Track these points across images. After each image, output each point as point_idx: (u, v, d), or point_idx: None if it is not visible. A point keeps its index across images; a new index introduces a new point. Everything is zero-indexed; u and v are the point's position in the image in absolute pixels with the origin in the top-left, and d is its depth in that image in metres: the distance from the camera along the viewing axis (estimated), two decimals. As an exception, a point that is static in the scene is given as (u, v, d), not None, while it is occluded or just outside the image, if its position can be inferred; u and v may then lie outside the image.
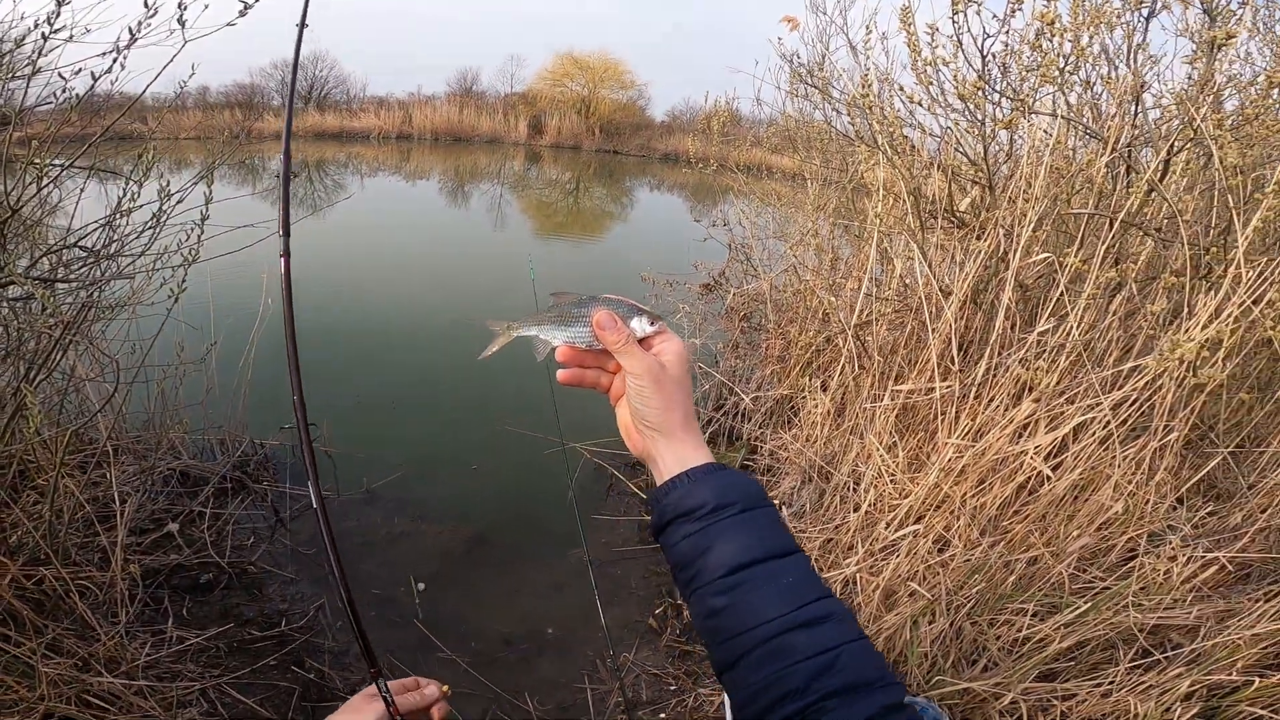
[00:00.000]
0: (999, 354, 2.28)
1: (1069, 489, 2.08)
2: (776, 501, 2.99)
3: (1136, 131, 2.14)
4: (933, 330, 2.47)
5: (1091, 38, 2.11)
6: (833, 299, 3.26)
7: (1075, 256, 2.07)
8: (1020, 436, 2.17)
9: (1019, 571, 2.01)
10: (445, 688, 0.93)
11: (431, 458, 3.51)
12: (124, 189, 1.75)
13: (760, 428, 3.50)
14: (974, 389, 2.32)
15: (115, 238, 1.85)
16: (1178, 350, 1.76)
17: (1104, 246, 2.01)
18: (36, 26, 1.41)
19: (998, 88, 2.32)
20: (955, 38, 2.24)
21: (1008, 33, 2.22)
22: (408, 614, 2.47)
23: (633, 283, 6.29)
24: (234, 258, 2.26)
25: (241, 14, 1.60)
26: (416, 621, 2.43)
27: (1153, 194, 2.05)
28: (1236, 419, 2.24)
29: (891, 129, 2.68)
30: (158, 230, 1.84)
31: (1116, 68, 2.18)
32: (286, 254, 1.02)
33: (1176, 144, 2.01)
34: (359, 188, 13.13)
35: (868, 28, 2.84)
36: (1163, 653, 1.74)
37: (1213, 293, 1.78)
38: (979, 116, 2.42)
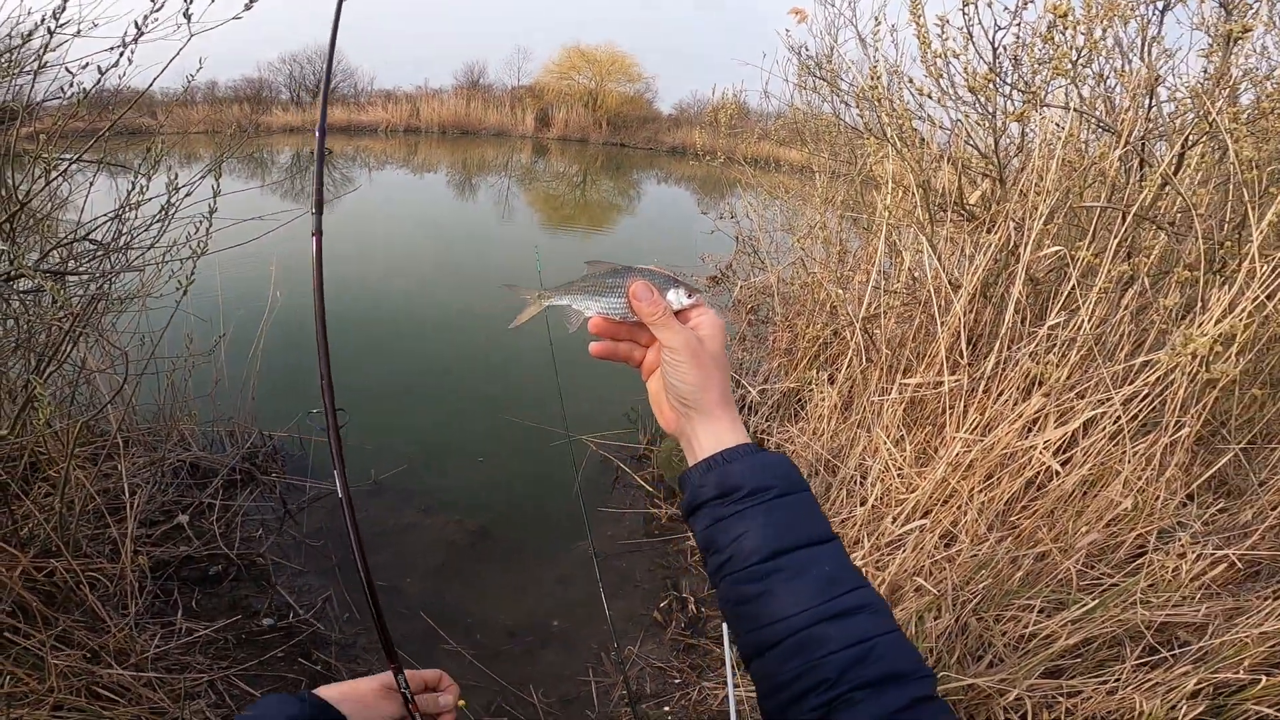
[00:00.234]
0: (1009, 348, 2.26)
1: (1078, 485, 2.07)
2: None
3: (1150, 125, 2.11)
4: (941, 323, 2.45)
5: (1105, 30, 2.08)
6: (840, 292, 3.24)
7: (1087, 250, 2.05)
8: (1029, 431, 2.16)
9: (1026, 567, 2.00)
10: (463, 701, 0.89)
11: (439, 449, 3.53)
12: (133, 182, 1.76)
13: (767, 421, 3.49)
14: (983, 383, 2.30)
15: (124, 231, 1.85)
16: (1190, 345, 1.74)
17: (1116, 240, 1.99)
18: (43, 22, 1.41)
19: (1009, 80, 2.29)
20: (966, 30, 2.21)
21: (1019, 25, 2.19)
22: (414, 606, 2.49)
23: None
24: (243, 251, 2.26)
25: (247, 7, 1.60)
26: (422, 614, 2.44)
27: (1166, 188, 2.03)
28: (1249, 415, 2.21)
29: (901, 121, 2.66)
30: (166, 223, 1.84)
31: (1130, 61, 2.15)
32: (318, 232, 0.98)
33: (1191, 138, 1.98)
34: (367, 181, 13.14)
35: (877, 19, 2.81)
36: (1170, 650, 1.73)
37: (1226, 287, 1.76)
38: (990, 109, 2.39)
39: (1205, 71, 1.92)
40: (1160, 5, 2.09)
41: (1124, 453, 1.98)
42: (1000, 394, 2.26)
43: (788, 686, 0.53)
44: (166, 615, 2.20)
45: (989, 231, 2.41)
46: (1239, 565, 1.82)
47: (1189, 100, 1.98)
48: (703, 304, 0.70)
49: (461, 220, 10.35)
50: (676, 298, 0.69)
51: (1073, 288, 2.06)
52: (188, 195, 1.84)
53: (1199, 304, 1.89)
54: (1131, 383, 1.96)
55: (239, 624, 2.27)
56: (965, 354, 2.36)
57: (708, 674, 2.28)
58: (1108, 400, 1.98)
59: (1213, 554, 1.83)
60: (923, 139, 2.78)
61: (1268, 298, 1.75)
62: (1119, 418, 1.94)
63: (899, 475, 2.48)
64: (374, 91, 23.40)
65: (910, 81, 2.66)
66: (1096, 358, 2.05)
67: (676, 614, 2.53)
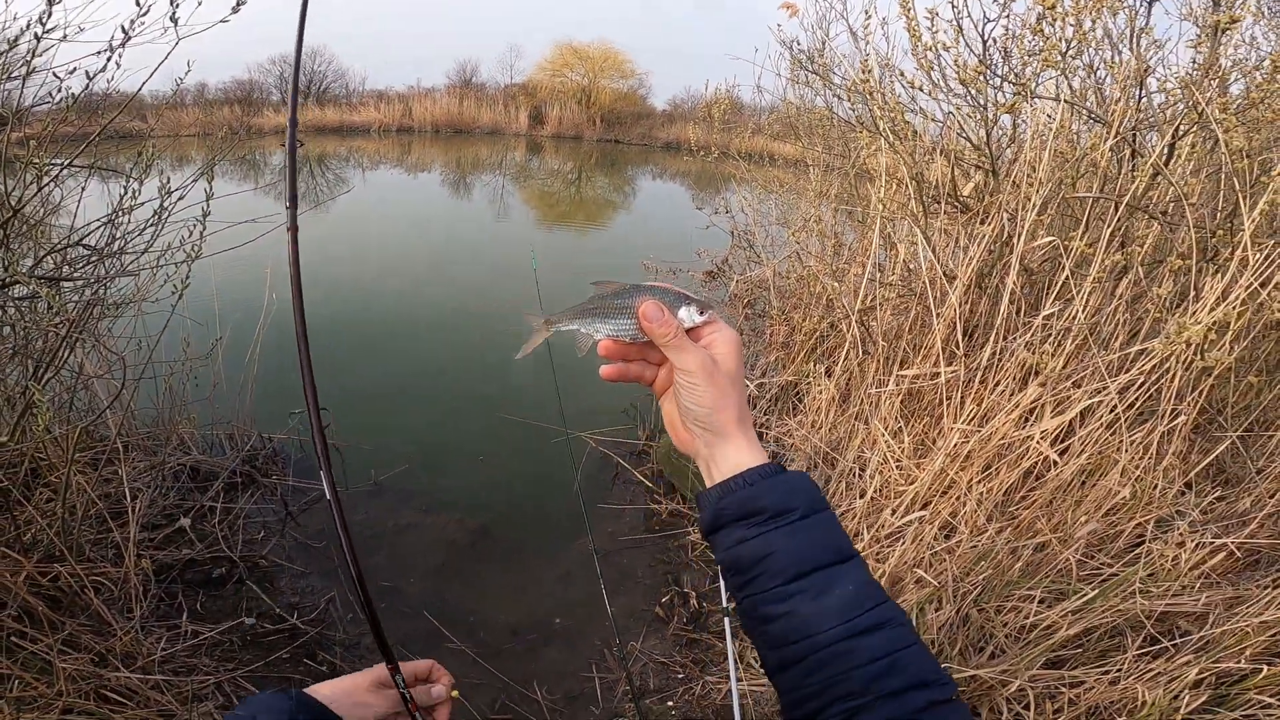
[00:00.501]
0: (1004, 338, 2.27)
1: (1076, 474, 2.08)
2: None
3: (1141, 116, 2.12)
4: (937, 315, 2.46)
5: (1094, 22, 2.08)
6: (836, 284, 3.25)
7: (1080, 240, 2.06)
8: (1026, 421, 2.17)
9: (1026, 558, 2.01)
10: (455, 692, 0.88)
11: (438, 449, 3.53)
12: (125, 186, 1.76)
13: (765, 414, 3.50)
14: (979, 373, 2.31)
15: (118, 235, 1.85)
16: (1184, 333, 1.75)
17: (1109, 230, 2.00)
18: (29, 28, 1.41)
19: (999, 72, 2.29)
20: (955, 22, 2.21)
21: (1008, 17, 2.20)
22: (417, 605, 2.49)
23: (635, 271, 6.28)
24: (238, 254, 2.26)
25: (235, 10, 1.59)
26: (425, 613, 2.45)
27: (1158, 178, 2.03)
28: (1245, 403, 2.22)
29: (893, 114, 2.66)
30: (159, 227, 1.84)
31: (1120, 52, 2.16)
32: (294, 227, 0.95)
33: (1181, 128, 1.99)
34: (361, 181, 13.11)
35: (867, 13, 2.81)
36: (1171, 640, 1.74)
37: (1219, 275, 1.77)
38: (981, 101, 2.40)
39: (1194, 62, 1.92)
40: (1148, -4, 2.10)
41: (1121, 442, 1.99)
42: (997, 384, 2.26)
43: (816, 697, 0.55)
44: (172, 618, 2.21)
45: (982, 223, 2.41)
46: (1238, 554, 1.83)
47: (1179, 91, 1.98)
48: (716, 320, 0.68)
49: (456, 219, 10.33)
50: (689, 315, 0.66)
51: (1067, 278, 2.07)
52: (180, 199, 1.83)
53: (1193, 292, 1.90)
54: (1127, 371, 1.97)
55: (243, 626, 2.28)
56: (961, 345, 2.37)
57: (710, 668, 2.29)
58: (1104, 389, 1.99)
59: (1211, 543, 1.84)
60: (915, 131, 2.78)
61: (1261, 285, 1.76)
62: (1115, 407, 1.95)
63: (897, 467, 2.49)
64: (366, 91, 23.36)
65: (901, 75, 2.66)
66: (1092, 347, 2.05)
67: (679, 609, 2.54)
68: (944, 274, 2.49)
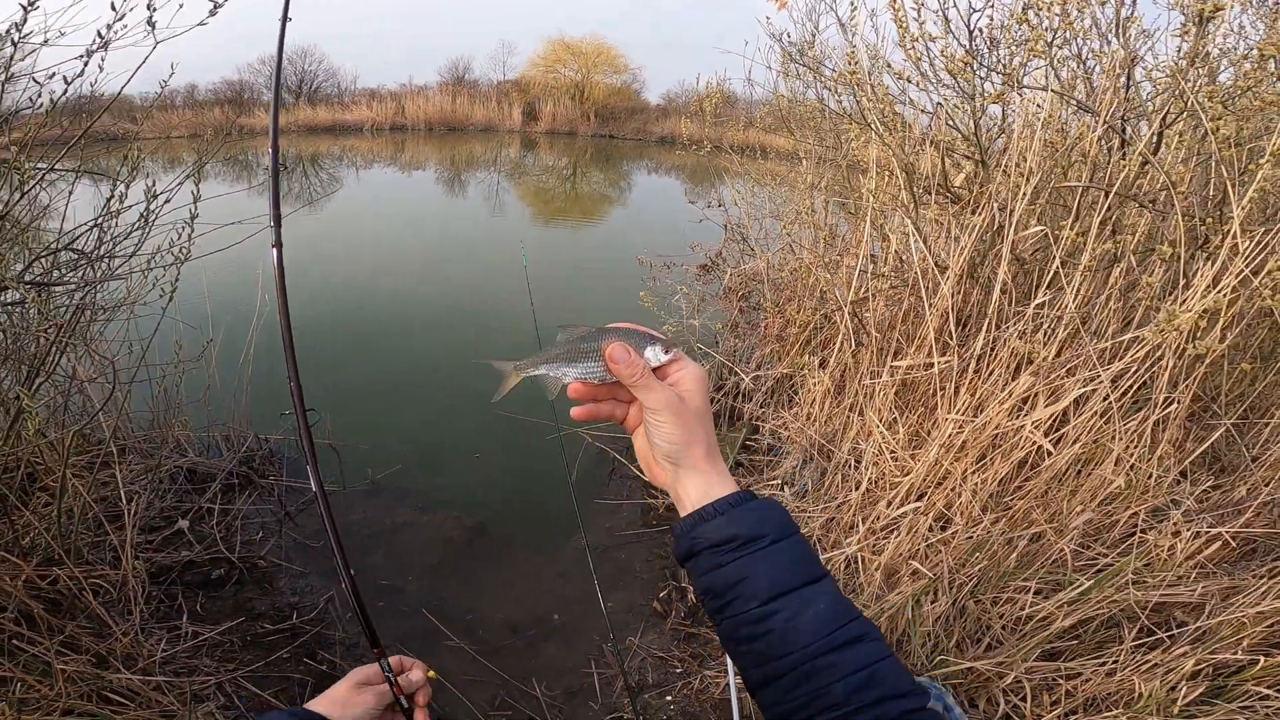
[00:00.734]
0: (997, 328, 2.27)
1: (1070, 463, 2.08)
2: (779, 481, 3.00)
3: (1129, 105, 2.11)
4: (930, 305, 2.46)
5: (1080, 11, 2.08)
6: (829, 276, 3.25)
7: (1071, 229, 2.06)
8: (1020, 411, 2.17)
9: (1021, 549, 2.02)
10: (432, 673, 0.93)
11: (433, 446, 3.53)
12: (111, 190, 1.75)
13: (761, 407, 3.51)
14: (973, 363, 2.31)
15: (106, 239, 1.85)
16: (1175, 320, 1.75)
17: (1099, 219, 2.00)
18: (7, 35, 1.40)
19: (986, 63, 2.29)
20: (942, 13, 2.21)
21: (994, 7, 2.19)
22: (415, 604, 2.50)
23: (630, 266, 6.27)
24: (228, 256, 2.26)
25: (211, 13, 1.59)
26: (424, 610, 2.45)
27: (1147, 166, 2.03)
28: (1239, 390, 2.23)
29: (882, 106, 2.66)
30: (146, 230, 1.84)
31: (1109, 42, 2.15)
32: (279, 244, 1.03)
33: (1169, 116, 1.99)
34: (354, 180, 13.08)
35: (853, 5, 2.80)
36: (1167, 631, 1.75)
37: (1210, 263, 1.77)
38: (969, 91, 2.39)
39: (1180, 51, 1.92)
40: (1134, -14, 2.09)
41: (1115, 431, 2.00)
42: (991, 374, 2.27)
43: (801, 710, 0.58)
44: (172, 619, 2.21)
45: (974, 213, 2.41)
46: (1233, 544, 1.84)
47: (1166, 80, 1.98)
48: (681, 358, 0.71)
49: (451, 217, 10.31)
50: (654, 355, 0.69)
51: (1058, 267, 2.07)
52: (167, 201, 1.83)
53: (1183, 280, 1.90)
54: (1120, 359, 1.97)
55: (244, 626, 2.28)
56: (954, 335, 2.37)
57: (709, 663, 2.30)
58: (1096, 378, 1.99)
59: (1207, 532, 1.84)
60: (905, 123, 2.78)
61: (1253, 272, 1.76)
62: (1108, 395, 1.95)
63: (893, 458, 2.49)
64: (358, 90, 23.26)
65: (889, 66, 2.66)
66: (1083, 336, 2.06)
67: (676, 604, 2.55)
68: (936, 265, 2.49)
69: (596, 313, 5.62)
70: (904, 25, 2.32)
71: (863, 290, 2.94)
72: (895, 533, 2.25)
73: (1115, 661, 1.73)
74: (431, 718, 0.90)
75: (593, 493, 3.17)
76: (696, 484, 0.67)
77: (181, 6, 1.45)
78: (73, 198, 2.12)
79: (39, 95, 1.49)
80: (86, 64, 1.45)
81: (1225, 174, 1.78)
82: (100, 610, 1.96)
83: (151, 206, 1.77)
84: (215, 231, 2.02)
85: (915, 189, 2.66)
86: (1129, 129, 2.15)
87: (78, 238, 1.92)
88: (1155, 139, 2.02)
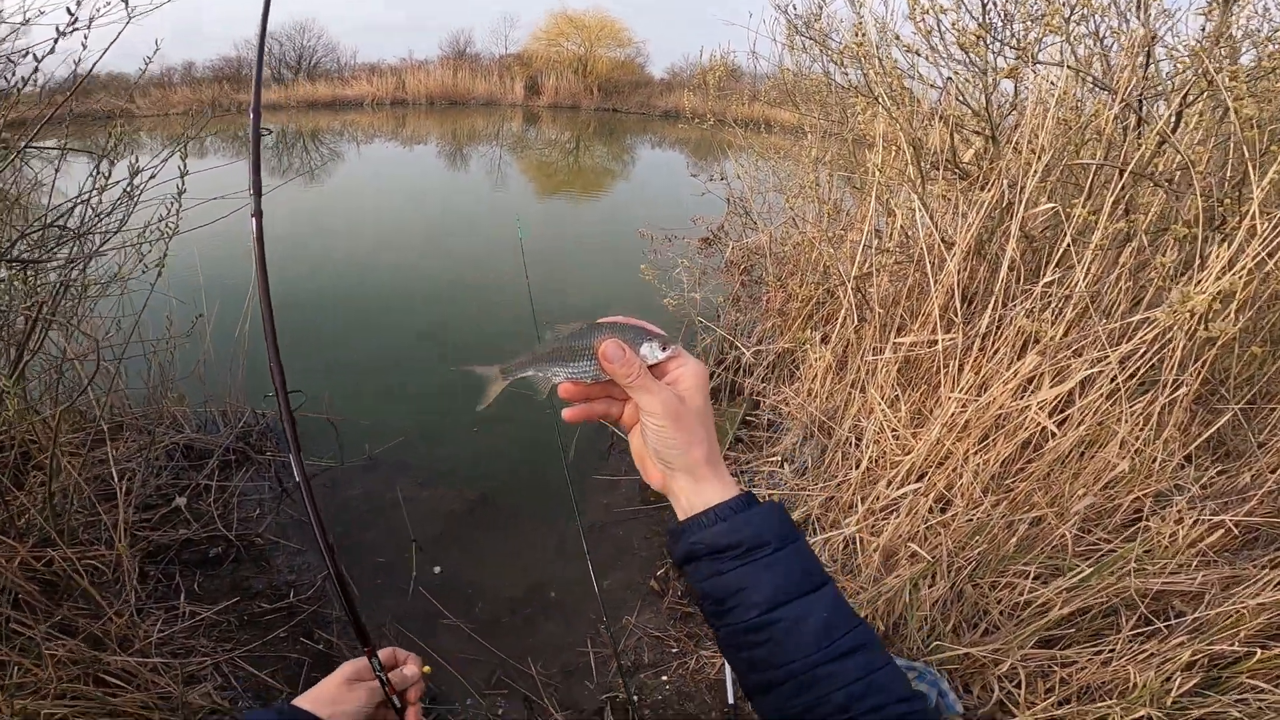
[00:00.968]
0: (1003, 305, 2.23)
1: (1074, 445, 2.05)
2: (779, 457, 2.98)
3: (1147, 84, 2.04)
4: (935, 281, 2.42)
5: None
6: (832, 251, 3.20)
7: (1083, 207, 2.00)
8: (1025, 391, 2.14)
9: (1021, 532, 1.99)
10: (427, 668, 0.90)
11: (432, 421, 3.50)
12: (96, 166, 1.71)
13: (762, 382, 3.47)
14: (978, 341, 2.27)
15: (91, 215, 1.81)
16: (1189, 302, 1.70)
17: (1113, 198, 1.94)
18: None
19: (1000, 37, 2.21)
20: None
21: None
22: (414, 580, 2.49)
23: (631, 240, 6.20)
24: (219, 231, 2.22)
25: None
26: (421, 589, 2.45)
27: (1164, 145, 1.97)
28: (1249, 374, 2.18)
29: (890, 80, 2.58)
30: (131, 205, 1.79)
31: (1128, 20, 2.07)
32: (258, 214, 0.98)
33: (1189, 96, 1.92)
34: (355, 155, 12.94)
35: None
36: (1165, 621, 1.73)
37: (1226, 245, 1.72)
38: (981, 66, 2.32)
39: (1204, 30, 1.85)
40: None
41: (1121, 413, 1.96)
42: (996, 352, 2.23)
43: (801, 717, 0.58)
44: (170, 600, 2.21)
45: (983, 189, 2.35)
46: (1236, 531, 1.81)
47: (1188, 59, 1.91)
48: (680, 354, 0.66)
49: (453, 191, 10.21)
50: (651, 352, 0.64)
51: (1068, 245, 2.01)
52: (152, 177, 1.79)
53: (1198, 261, 1.85)
54: (1129, 340, 1.93)
55: (241, 605, 2.28)
56: (960, 312, 2.33)
57: (705, 643, 2.29)
58: (1104, 359, 1.95)
59: (1210, 519, 1.81)
60: (914, 97, 2.70)
61: (1268, 255, 1.71)
62: (1115, 377, 1.91)
63: (894, 436, 2.46)
64: (358, 65, 22.90)
65: (898, 39, 2.57)
66: (1093, 315, 2.01)
67: (673, 583, 2.55)
68: (942, 240, 2.44)
69: (597, 286, 5.57)
70: (913, -4, 2.24)
71: (867, 265, 2.89)
72: (895, 514, 2.23)
73: (1111, 650, 1.72)
74: (422, 712, 0.88)
75: (590, 468, 3.15)
76: (697, 488, 0.63)
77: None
78: (66, 175, 2.09)
79: (12, 75, 1.44)
80: (55, 44, 1.40)
81: (1246, 154, 1.72)
82: (93, 591, 1.94)
83: (136, 182, 1.73)
84: (202, 206, 1.98)
85: (923, 164, 2.60)
86: (1146, 108, 2.08)
87: (63, 215, 1.88)
88: (1174, 118, 1.95)
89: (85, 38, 1.54)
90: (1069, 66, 2.13)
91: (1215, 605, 1.67)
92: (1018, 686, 1.76)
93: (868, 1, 2.70)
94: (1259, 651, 1.53)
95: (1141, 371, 1.97)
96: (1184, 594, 1.77)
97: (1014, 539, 1.97)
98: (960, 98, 2.52)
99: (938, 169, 2.60)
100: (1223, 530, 1.77)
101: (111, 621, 1.90)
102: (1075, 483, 2.02)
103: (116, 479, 2.20)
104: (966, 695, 1.85)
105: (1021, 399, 2.12)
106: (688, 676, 2.17)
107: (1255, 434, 2.08)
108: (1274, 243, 1.67)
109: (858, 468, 2.51)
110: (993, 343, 2.26)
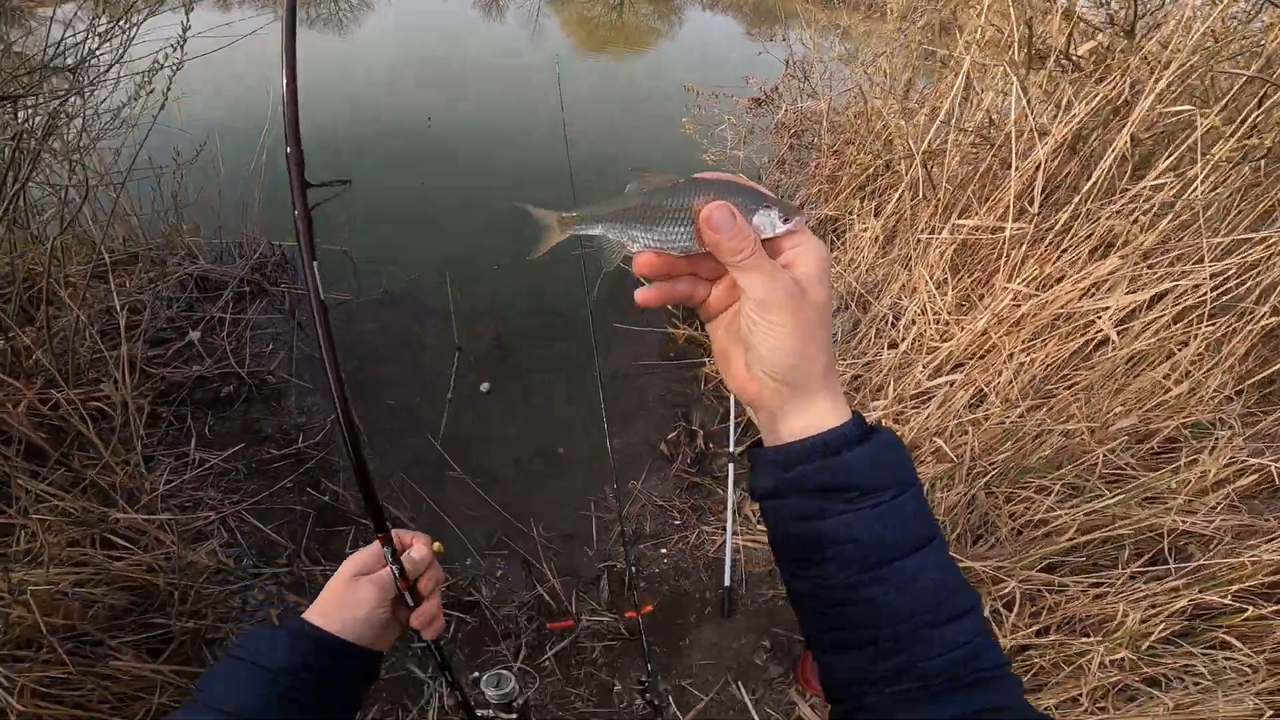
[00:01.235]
0: (1090, 203, 2.01)
1: (1126, 359, 1.90)
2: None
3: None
4: (1015, 169, 2.19)
5: None
6: (902, 124, 2.92)
7: (1215, 115, 1.74)
8: (1092, 295, 1.97)
9: (1051, 445, 1.89)
10: (438, 544, 0.77)
11: (455, 259, 3.31)
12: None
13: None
14: (1050, 235, 2.08)
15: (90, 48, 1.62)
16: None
17: (1255, 113, 1.68)
18: None
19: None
20: None
21: None
22: (423, 428, 2.47)
23: (676, 95, 5.72)
24: (234, 71, 2.01)
25: None
26: (430, 437, 2.44)
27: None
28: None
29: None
30: (129, 36, 1.60)
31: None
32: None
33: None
34: (386, 3, 12.00)
35: None
36: (1164, 565, 1.65)
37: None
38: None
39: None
40: None
41: (1187, 335, 1.79)
42: (1064, 250, 2.04)
43: (882, 682, 0.47)
44: (180, 444, 2.20)
45: (1098, 82, 2.06)
46: (1270, 475, 1.67)
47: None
48: (803, 229, 0.49)
49: (488, 42, 9.50)
50: (768, 223, 0.47)
51: (1184, 151, 1.77)
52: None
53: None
54: (1222, 260, 1.74)
55: (249, 452, 2.27)
56: (1037, 201, 2.11)
57: (708, 517, 2.29)
58: (1188, 275, 1.76)
59: (1244, 461, 1.67)
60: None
61: None
62: (1201, 292, 1.73)
63: (936, 321, 2.33)
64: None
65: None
66: (1200, 227, 1.79)
67: (684, 447, 2.50)
68: (1035, 128, 2.18)
69: (636, 142, 5.18)
70: None
71: (939, 142, 2.63)
72: (926, 404, 2.14)
73: (1110, 586, 1.66)
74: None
75: (615, 315, 2.92)
76: (804, 408, 0.48)
77: None
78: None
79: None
80: None
81: None
82: (92, 437, 1.80)
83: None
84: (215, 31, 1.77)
85: (1031, 47, 2.29)
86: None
87: (59, 54, 1.68)
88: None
89: None
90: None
91: (1223, 555, 1.58)
92: (1008, 606, 1.72)
93: None
94: (1249, 609, 1.47)
95: (1223, 298, 1.78)
96: (1199, 536, 1.68)
97: (1043, 450, 1.87)
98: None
99: (1045, 60, 2.28)
100: (1256, 473, 1.64)
101: (116, 473, 1.79)
102: (1115, 399, 1.89)
103: (120, 310, 2.10)
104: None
105: (1087, 301, 1.95)
106: (687, 551, 2.17)
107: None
108: None
109: (893, 348, 2.39)
110: (1067, 240, 2.06)
